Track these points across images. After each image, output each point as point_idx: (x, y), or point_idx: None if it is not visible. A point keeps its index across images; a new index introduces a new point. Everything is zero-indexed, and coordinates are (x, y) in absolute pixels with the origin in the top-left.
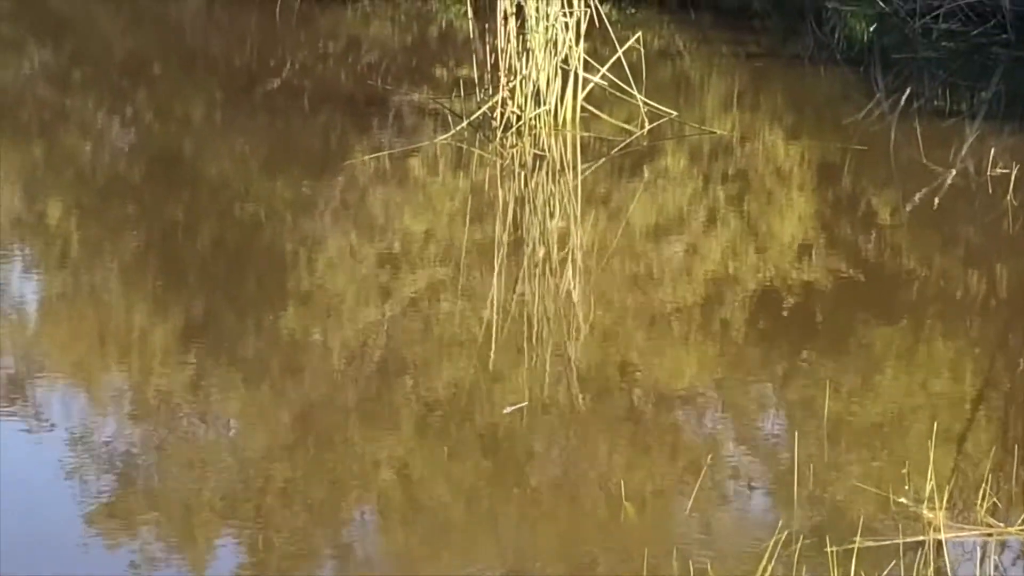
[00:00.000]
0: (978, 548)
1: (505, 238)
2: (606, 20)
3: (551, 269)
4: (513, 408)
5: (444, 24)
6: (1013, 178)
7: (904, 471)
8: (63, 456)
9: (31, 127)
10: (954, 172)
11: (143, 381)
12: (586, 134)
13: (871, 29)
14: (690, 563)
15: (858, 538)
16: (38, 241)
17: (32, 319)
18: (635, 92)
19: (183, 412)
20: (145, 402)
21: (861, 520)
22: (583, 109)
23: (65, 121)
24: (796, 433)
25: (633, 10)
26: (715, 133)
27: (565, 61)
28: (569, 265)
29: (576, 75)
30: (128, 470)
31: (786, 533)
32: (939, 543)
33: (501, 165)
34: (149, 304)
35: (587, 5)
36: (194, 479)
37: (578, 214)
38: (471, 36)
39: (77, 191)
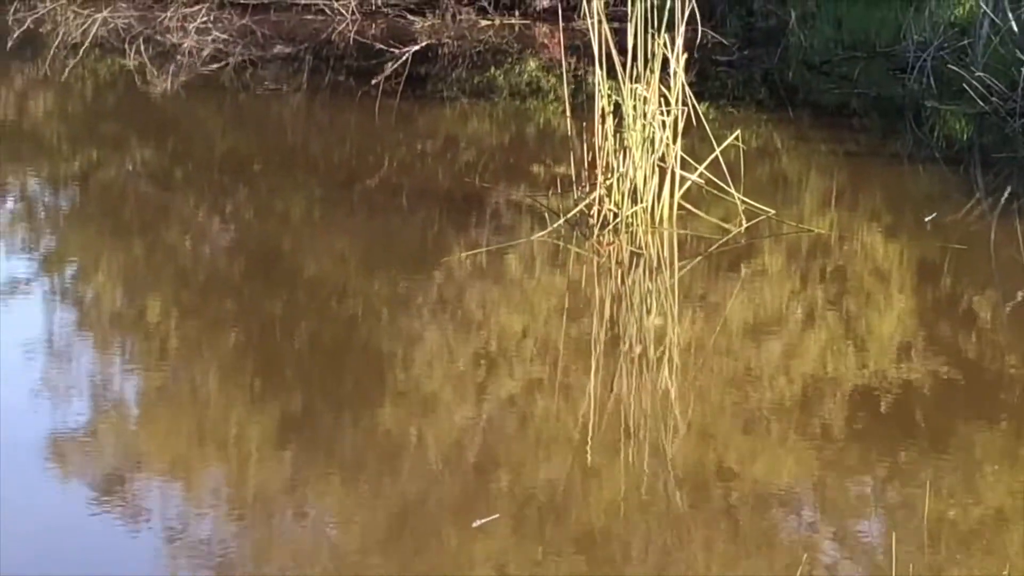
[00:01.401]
0: None
1: (602, 336)
2: (703, 118)
3: (648, 367)
4: (483, 521)
5: (542, 122)
6: None
7: (1005, 574)
8: (160, 552)
9: (132, 224)
10: None
11: (240, 477)
12: (683, 232)
13: (970, 128)
14: None
15: None
16: (138, 337)
17: (131, 415)
18: (733, 190)
19: (280, 508)
20: (242, 498)
21: None
22: (680, 207)
23: (166, 218)
24: (895, 534)
25: (731, 109)
26: (813, 231)
27: (662, 159)
28: (666, 363)
29: (673, 173)
30: (224, 567)
31: None
32: None
33: (598, 263)
34: (247, 400)
35: (685, 104)
36: None
37: (675, 312)
38: (569, 134)
39: (177, 288)
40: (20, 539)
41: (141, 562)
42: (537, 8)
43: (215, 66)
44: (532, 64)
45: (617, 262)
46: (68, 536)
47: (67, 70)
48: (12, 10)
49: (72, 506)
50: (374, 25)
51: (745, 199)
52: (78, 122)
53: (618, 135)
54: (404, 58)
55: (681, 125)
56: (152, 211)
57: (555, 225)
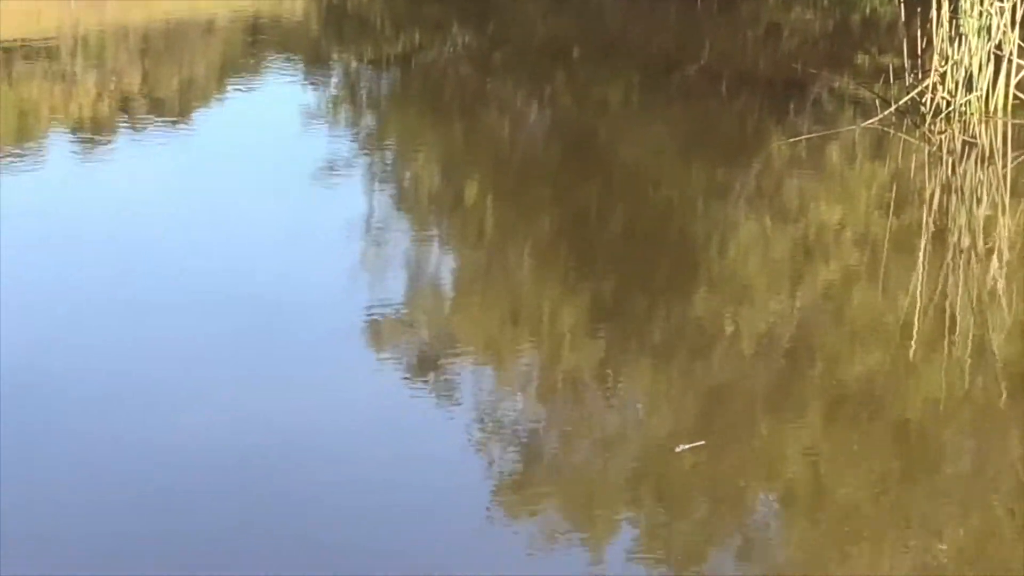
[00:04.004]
0: None
1: (929, 226)
2: None
3: (976, 260)
4: (687, 447)
5: (867, 11)
6: None
7: None
8: (471, 432)
9: (452, 107)
10: None
11: (551, 361)
12: (1017, 122)
13: None
14: None
15: None
16: (454, 220)
17: (446, 296)
18: None
19: (589, 393)
20: (552, 382)
21: None
22: (1015, 96)
23: (484, 102)
24: None
25: None
26: None
27: (998, 47)
28: (995, 257)
29: (1010, 61)
30: (533, 448)
31: None
32: None
33: (928, 151)
34: (560, 285)
35: None
36: (597, 459)
37: (1006, 203)
38: (899, 21)
39: (494, 171)
40: (338, 411)
41: (452, 442)
42: None
43: None
44: None
45: (948, 151)
46: (383, 413)
47: None
48: None
49: (387, 385)
50: None
51: None
52: (400, 5)
53: (952, 22)
54: None
55: (1020, 12)
56: (471, 95)
57: (885, 113)
